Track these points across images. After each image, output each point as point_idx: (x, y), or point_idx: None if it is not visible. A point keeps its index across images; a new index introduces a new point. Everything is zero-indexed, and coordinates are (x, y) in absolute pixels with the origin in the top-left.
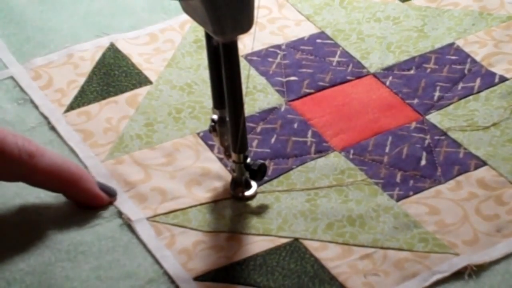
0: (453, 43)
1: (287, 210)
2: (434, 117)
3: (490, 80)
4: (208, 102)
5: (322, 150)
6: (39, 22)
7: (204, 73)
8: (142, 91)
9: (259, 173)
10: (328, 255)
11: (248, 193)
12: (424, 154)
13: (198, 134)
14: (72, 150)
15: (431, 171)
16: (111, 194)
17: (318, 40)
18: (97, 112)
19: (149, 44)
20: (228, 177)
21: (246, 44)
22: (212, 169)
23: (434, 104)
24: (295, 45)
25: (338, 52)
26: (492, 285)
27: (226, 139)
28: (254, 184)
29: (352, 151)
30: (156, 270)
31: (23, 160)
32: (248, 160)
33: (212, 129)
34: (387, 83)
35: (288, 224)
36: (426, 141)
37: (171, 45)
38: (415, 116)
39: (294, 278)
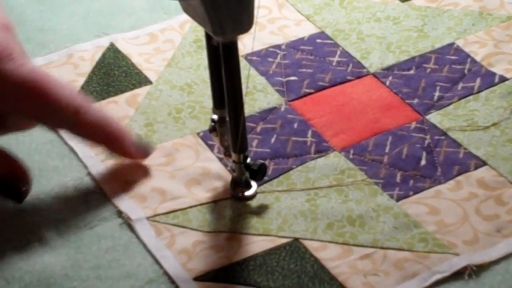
0: (453, 43)
1: (287, 210)
2: (434, 117)
3: (490, 80)
4: (208, 102)
5: (322, 150)
6: (39, 22)
7: (204, 73)
8: (142, 91)
9: (259, 173)
10: (328, 255)
11: (248, 193)
12: (424, 154)
13: (198, 134)
14: (72, 150)
15: (431, 171)
16: (147, 150)
17: (318, 40)
18: None
19: (149, 44)
20: (228, 177)
21: (246, 44)
22: (212, 169)
23: (434, 104)
24: (295, 45)
25: (338, 52)
26: (492, 285)
27: (226, 139)
28: (254, 184)
29: (352, 151)
30: (156, 270)
31: (68, 114)
32: (248, 160)
33: (212, 129)
34: (387, 83)
35: (288, 224)
36: (426, 141)
37: (171, 45)
38: (415, 116)
39: (294, 278)
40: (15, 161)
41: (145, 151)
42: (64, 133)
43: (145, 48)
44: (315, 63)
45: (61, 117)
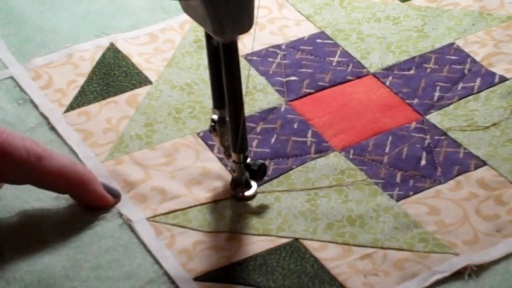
0: (453, 43)
1: (287, 210)
2: (434, 117)
3: (490, 80)
4: (208, 102)
5: (322, 150)
6: (39, 22)
7: (204, 73)
8: (142, 91)
9: (259, 173)
10: (328, 255)
11: (248, 193)
12: (424, 154)
13: (198, 134)
14: (72, 150)
15: (431, 171)
16: (116, 195)
17: (318, 40)
18: (97, 112)
19: (149, 44)
20: (228, 177)
21: (246, 44)
22: (212, 169)
23: (434, 104)
24: (295, 45)
25: (338, 52)
26: (492, 285)
27: (226, 139)
28: (254, 184)
29: (352, 151)
30: (156, 270)
31: (31, 163)
32: (248, 160)
33: (212, 129)
34: (387, 83)
35: (288, 224)
36: (426, 141)
37: (171, 45)
38: (415, 116)
39: (294, 278)
40: None
41: (114, 196)
42: (64, 133)
43: (145, 48)
44: (315, 63)
45: (24, 170)
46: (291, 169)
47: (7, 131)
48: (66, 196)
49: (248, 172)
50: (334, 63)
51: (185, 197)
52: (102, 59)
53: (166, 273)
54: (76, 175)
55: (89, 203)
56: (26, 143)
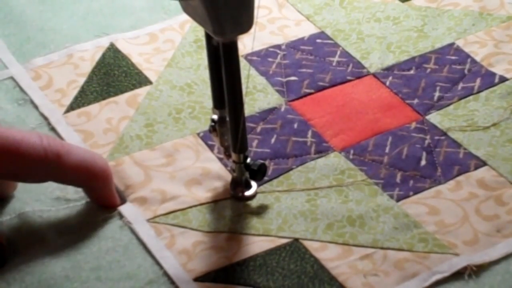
0: (453, 43)
1: (287, 210)
2: (434, 117)
3: (490, 80)
4: (208, 102)
5: (322, 150)
6: (39, 22)
7: (204, 73)
8: (142, 91)
9: (259, 173)
10: (328, 255)
11: (248, 193)
12: (424, 154)
13: (198, 134)
14: None
15: (431, 171)
16: (122, 198)
17: (318, 40)
18: (97, 113)
19: (149, 44)
20: (228, 177)
21: (246, 44)
22: (212, 169)
23: (434, 104)
24: (295, 45)
25: (338, 52)
26: (492, 285)
27: (226, 139)
28: (254, 184)
29: (352, 151)
30: (156, 271)
31: (50, 161)
32: (248, 160)
33: (212, 129)
34: (387, 83)
35: (288, 224)
36: (426, 141)
37: (171, 45)
38: (415, 116)
39: (294, 279)
40: None
41: (121, 199)
42: (64, 134)
43: (145, 48)
44: (315, 63)
45: (44, 168)
46: (291, 169)
47: (22, 133)
48: (66, 197)
49: (248, 172)
50: (334, 63)
51: (185, 197)
52: (102, 59)
53: (166, 274)
54: (96, 171)
55: (101, 200)
56: (44, 141)
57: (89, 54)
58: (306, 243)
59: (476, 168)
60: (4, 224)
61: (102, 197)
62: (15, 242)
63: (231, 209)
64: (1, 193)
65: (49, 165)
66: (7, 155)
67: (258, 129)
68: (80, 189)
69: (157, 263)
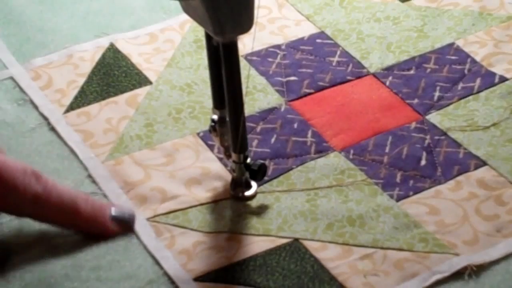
0: (453, 43)
1: (287, 210)
2: (434, 117)
3: (490, 80)
4: (208, 102)
5: (322, 150)
6: (39, 22)
7: (204, 73)
8: (142, 91)
9: (259, 173)
10: (328, 255)
11: (248, 193)
12: (424, 154)
13: (198, 134)
14: (72, 151)
15: (431, 171)
16: (127, 223)
17: (318, 40)
18: (97, 113)
19: (149, 44)
20: (228, 177)
21: (246, 44)
22: (212, 169)
23: (434, 104)
24: (295, 45)
25: (338, 52)
26: (492, 285)
27: (226, 139)
28: (254, 184)
29: (352, 151)
30: (156, 271)
31: (27, 201)
32: (248, 160)
33: (212, 129)
34: (387, 83)
35: (288, 224)
36: (426, 141)
37: (171, 45)
38: (415, 116)
39: (294, 279)
40: None
41: (127, 222)
42: (64, 134)
43: (145, 48)
44: (315, 63)
45: (20, 205)
46: (291, 169)
47: (9, 163)
48: None
49: (248, 172)
50: (334, 63)
51: (185, 197)
52: (102, 59)
53: (166, 274)
54: (77, 214)
55: (100, 234)
56: (26, 179)
57: (89, 54)
58: (306, 243)
59: (476, 168)
60: (5, 225)
61: (92, 233)
62: (16, 241)
63: (231, 209)
64: None
65: (26, 205)
66: None
67: (258, 129)
68: (79, 188)
69: (157, 263)
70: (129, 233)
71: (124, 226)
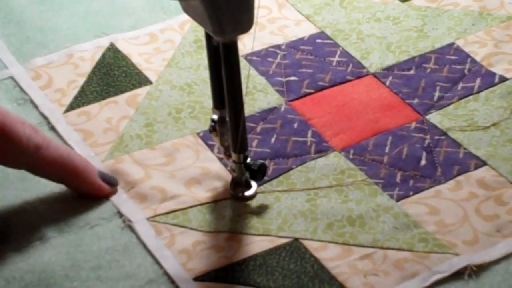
0: (453, 43)
1: (287, 210)
2: (434, 117)
3: (490, 80)
4: (208, 102)
5: (322, 150)
6: (39, 22)
7: (204, 73)
8: (142, 91)
9: (259, 173)
10: (328, 255)
11: (248, 193)
12: (424, 154)
13: (198, 134)
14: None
15: (431, 171)
16: (113, 184)
17: (318, 40)
18: (97, 112)
19: (149, 44)
20: (228, 177)
21: (246, 44)
22: (212, 169)
23: (434, 104)
24: (295, 45)
25: (338, 52)
26: (492, 285)
27: (226, 139)
28: (254, 184)
29: (352, 151)
30: (156, 270)
31: (29, 151)
32: (248, 160)
33: (212, 129)
34: (387, 83)
35: (288, 224)
36: (426, 141)
37: (171, 45)
38: (415, 116)
39: (294, 278)
40: None
41: (111, 185)
42: (64, 133)
43: (145, 48)
44: (315, 63)
45: (22, 155)
46: (291, 169)
47: (9, 115)
48: (65, 196)
49: (248, 172)
50: (334, 63)
51: (185, 197)
52: (102, 59)
53: (166, 273)
54: (72, 167)
55: (84, 193)
56: (27, 130)
57: (89, 54)
58: (306, 243)
59: (476, 168)
60: (4, 222)
61: (84, 191)
62: (15, 241)
63: (231, 209)
64: None
65: (27, 155)
66: None
67: (258, 129)
68: None
69: (157, 262)
70: (113, 194)
71: (109, 184)
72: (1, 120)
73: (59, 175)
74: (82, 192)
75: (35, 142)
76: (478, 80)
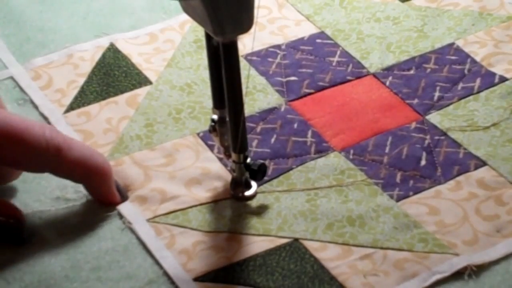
0: (453, 43)
1: (287, 210)
2: (434, 117)
3: (490, 80)
4: (208, 102)
5: (322, 150)
6: (39, 22)
7: (204, 73)
8: (142, 91)
9: (259, 173)
10: (328, 255)
11: (248, 193)
12: (424, 154)
13: (198, 134)
14: None
15: (431, 171)
16: (123, 196)
17: (318, 40)
18: (97, 113)
19: (149, 44)
20: (228, 177)
21: (246, 44)
22: (212, 169)
23: (434, 104)
24: (295, 45)
25: (338, 52)
26: (492, 285)
27: (226, 139)
28: (254, 184)
29: (352, 151)
30: (156, 271)
31: (50, 154)
32: (248, 160)
33: (212, 129)
34: (387, 83)
35: (288, 224)
36: (426, 141)
37: (171, 45)
38: (415, 116)
39: (294, 279)
40: (11, 205)
41: (122, 197)
42: (64, 133)
43: (145, 48)
44: (315, 63)
45: (43, 159)
46: (291, 169)
47: (27, 121)
48: (66, 197)
49: (248, 172)
50: (334, 63)
51: (185, 197)
52: (102, 59)
53: (166, 274)
54: (94, 168)
55: (100, 197)
56: (46, 133)
57: (89, 54)
58: (306, 243)
59: (476, 168)
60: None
61: (101, 195)
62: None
63: (231, 209)
64: (4, 179)
65: (49, 157)
66: (10, 142)
67: (258, 129)
68: (79, 189)
69: (157, 263)
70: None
71: (120, 195)
72: (17, 128)
73: (80, 176)
74: (98, 195)
75: (56, 144)
76: (478, 80)
